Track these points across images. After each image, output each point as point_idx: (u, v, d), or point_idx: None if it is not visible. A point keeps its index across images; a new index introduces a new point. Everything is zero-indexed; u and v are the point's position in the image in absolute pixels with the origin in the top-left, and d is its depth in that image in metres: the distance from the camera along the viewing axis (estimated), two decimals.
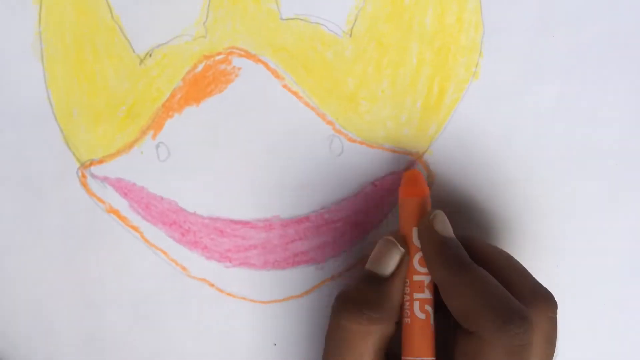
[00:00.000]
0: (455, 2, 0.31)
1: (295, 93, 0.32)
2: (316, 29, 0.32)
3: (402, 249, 0.28)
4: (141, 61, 0.33)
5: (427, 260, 0.28)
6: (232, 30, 0.32)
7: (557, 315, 0.27)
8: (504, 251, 0.29)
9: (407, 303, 0.28)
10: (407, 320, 0.28)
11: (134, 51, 0.33)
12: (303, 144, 0.33)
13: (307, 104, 0.32)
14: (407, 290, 0.28)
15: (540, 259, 0.33)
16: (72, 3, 0.32)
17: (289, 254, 0.34)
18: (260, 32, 0.32)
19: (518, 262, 0.28)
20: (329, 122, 0.32)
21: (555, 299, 0.27)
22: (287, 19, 0.32)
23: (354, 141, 0.33)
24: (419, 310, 0.28)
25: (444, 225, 0.28)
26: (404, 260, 0.28)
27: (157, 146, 0.33)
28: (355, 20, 0.32)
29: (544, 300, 0.27)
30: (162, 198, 0.34)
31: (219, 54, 0.32)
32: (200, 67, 0.32)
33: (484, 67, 0.31)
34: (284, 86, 0.32)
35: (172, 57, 0.32)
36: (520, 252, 0.33)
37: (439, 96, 0.32)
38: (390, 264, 0.28)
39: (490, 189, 0.33)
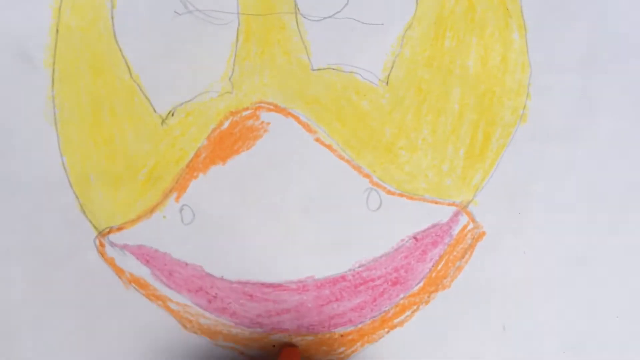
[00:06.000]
0: (500, 42, 0.31)
1: (328, 146, 0.32)
2: (350, 78, 0.31)
3: None
4: (163, 121, 0.32)
5: None
6: (259, 83, 0.31)
7: None
8: None
9: None
10: None
11: (155, 111, 0.32)
12: (338, 199, 0.32)
13: (341, 157, 0.32)
14: None
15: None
16: (87, 64, 0.32)
17: (324, 317, 0.33)
18: (290, 85, 0.31)
19: None
20: (366, 175, 0.32)
21: None
22: (318, 69, 0.31)
23: (392, 194, 0.32)
24: None
25: None
26: None
27: (181, 209, 0.32)
28: (392, 67, 0.31)
29: None
30: (186, 264, 0.32)
31: (246, 109, 0.31)
32: (226, 124, 0.32)
33: (532, 109, 0.31)
34: (317, 140, 0.32)
35: (196, 115, 0.32)
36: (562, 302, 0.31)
37: (483, 143, 0.31)
38: None
39: (543, 240, 0.32)
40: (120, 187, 0.32)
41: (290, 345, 0.32)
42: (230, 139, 0.32)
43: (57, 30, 0.31)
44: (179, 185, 0.32)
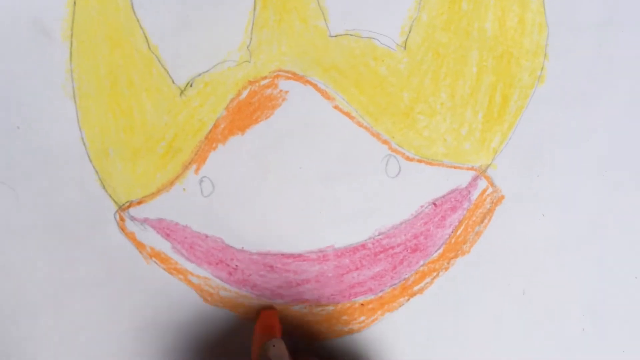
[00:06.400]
0: (517, 3, 0.30)
1: (347, 113, 0.31)
2: (368, 44, 0.31)
3: None
4: (181, 92, 0.32)
5: None
6: (277, 52, 0.31)
7: None
8: None
9: None
10: None
11: (173, 82, 0.32)
12: (357, 166, 0.32)
13: (360, 124, 0.32)
14: None
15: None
16: (105, 36, 0.31)
17: (344, 286, 0.33)
18: (308, 52, 0.31)
19: None
20: (384, 142, 0.32)
21: None
22: (336, 36, 0.31)
23: (411, 160, 0.32)
24: None
25: (277, 355, 0.29)
26: None
27: (201, 181, 0.32)
28: (410, 31, 0.31)
29: None
30: (207, 236, 0.33)
31: (265, 78, 0.31)
32: (244, 94, 0.31)
33: (550, 70, 0.31)
34: (335, 107, 0.31)
35: (215, 86, 0.32)
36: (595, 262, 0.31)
37: (502, 105, 0.31)
38: None
39: (562, 203, 0.32)
40: (140, 160, 0.32)
41: (268, 308, 0.33)
42: (248, 109, 0.31)
43: (75, 3, 0.31)
44: (198, 157, 0.32)
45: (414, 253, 0.32)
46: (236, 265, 0.32)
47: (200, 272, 0.33)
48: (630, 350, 0.32)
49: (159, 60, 0.31)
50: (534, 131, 0.31)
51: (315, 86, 0.31)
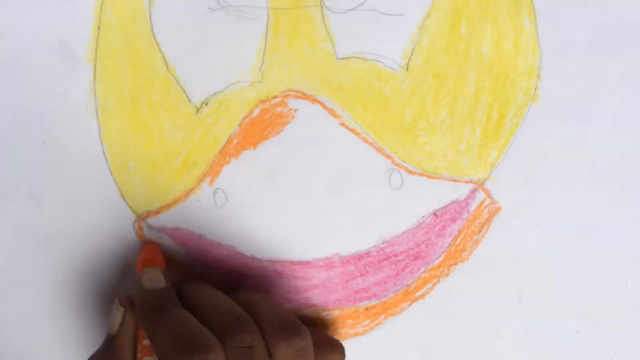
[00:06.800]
0: (512, 28, 0.31)
1: (353, 130, 0.32)
2: (372, 66, 0.32)
3: (121, 309, 0.29)
4: (197, 110, 0.33)
5: (136, 314, 0.29)
6: (287, 73, 0.32)
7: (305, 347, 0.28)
8: (209, 288, 0.30)
9: None
10: None
11: (190, 101, 0.32)
12: (362, 179, 0.33)
13: (365, 140, 0.32)
14: (139, 355, 0.29)
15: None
16: (127, 59, 0.32)
17: (350, 291, 0.34)
18: (316, 73, 0.32)
19: (219, 295, 0.29)
20: (388, 156, 0.32)
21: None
22: (343, 58, 0.32)
23: (413, 173, 0.33)
24: None
25: (151, 279, 0.29)
26: (127, 320, 0.29)
27: (215, 192, 0.33)
28: (412, 54, 0.32)
29: (284, 333, 0.28)
30: (219, 244, 0.33)
31: (275, 97, 0.32)
32: (256, 112, 0.32)
33: (543, 90, 0.31)
34: (342, 124, 0.32)
35: (229, 104, 0.32)
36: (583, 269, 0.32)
37: (498, 122, 0.32)
38: (114, 324, 0.29)
39: (555, 213, 0.32)
40: (158, 173, 0.33)
41: (149, 243, 0.33)
42: (260, 126, 0.32)
43: (99, 28, 0.32)
44: (213, 171, 0.33)
45: (415, 260, 0.33)
46: (247, 272, 0.33)
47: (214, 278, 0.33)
48: (620, 351, 0.33)
49: (177, 81, 0.32)
50: (529, 146, 0.32)
51: (323, 105, 0.32)
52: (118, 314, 0.29)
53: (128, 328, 0.29)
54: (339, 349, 0.31)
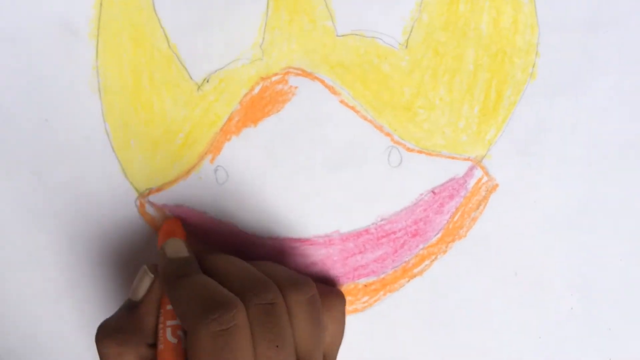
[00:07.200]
0: (510, 5, 0.31)
1: (352, 108, 0.32)
2: (372, 43, 0.32)
3: (151, 275, 0.30)
4: (198, 88, 0.33)
5: (161, 282, 0.30)
6: (288, 50, 0.32)
7: (314, 296, 0.29)
8: (230, 257, 0.30)
9: (161, 330, 0.29)
10: (160, 345, 0.29)
11: (191, 78, 0.33)
12: (361, 157, 0.33)
13: (364, 118, 0.33)
14: (161, 318, 0.29)
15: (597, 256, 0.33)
16: (129, 35, 0.33)
17: (349, 268, 0.34)
18: (317, 50, 0.32)
19: (239, 262, 0.30)
20: (387, 134, 0.33)
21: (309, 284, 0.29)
22: (342, 36, 0.32)
23: (412, 151, 0.33)
24: (171, 335, 0.29)
25: (174, 249, 0.30)
26: (154, 287, 0.30)
27: (216, 170, 0.33)
28: (411, 31, 0.32)
29: (295, 286, 0.29)
30: (221, 222, 0.34)
31: (276, 74, 0.32)
32: (257, 89, 0.32)
33: (541, 67, 0.31)
34: (341, 102, 0.32)
35: (229, 82, 0.33)
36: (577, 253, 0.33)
37: (496, 100, 0.32)
38: (140, 290, 0.30)
39: (552, 190, 0.33)
40: (159, 150, 0.33)
41: (170, 217, 0.33)
42: (261, 103, 0.33)
43: (101, 4, 0.32)
44: (214, 148, 0.33)
45: (414, 237, 0.33)
46: (247, 249, 0.34)
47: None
48: (615, 327, 0.34)
49: (178, 58, 0.32)
50: (526, 124, 0.32)
51: (322, 82, 0.32)
52: (147, 279, 0.30)
53: (154, 295, 0.30)
54: (340, 296, 0.32)
